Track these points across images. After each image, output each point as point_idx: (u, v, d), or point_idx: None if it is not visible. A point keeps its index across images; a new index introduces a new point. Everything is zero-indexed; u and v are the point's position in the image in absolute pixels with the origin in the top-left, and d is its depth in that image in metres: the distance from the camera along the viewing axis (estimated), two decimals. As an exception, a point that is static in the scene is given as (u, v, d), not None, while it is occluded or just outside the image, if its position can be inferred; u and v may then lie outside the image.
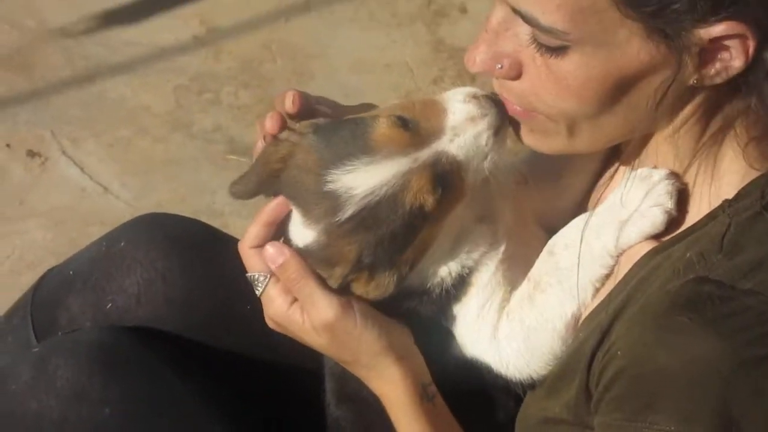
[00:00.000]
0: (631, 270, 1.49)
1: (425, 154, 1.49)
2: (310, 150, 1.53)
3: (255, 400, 1.92)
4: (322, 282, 1.56)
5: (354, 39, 4.00)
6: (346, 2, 4.13)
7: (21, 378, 1.71)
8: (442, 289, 1.62)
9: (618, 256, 1.52)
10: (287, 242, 1.59)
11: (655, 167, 1.52)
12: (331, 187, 1.48)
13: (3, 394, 1.71)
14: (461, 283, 1.62)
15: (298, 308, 1.59)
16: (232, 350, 1.91)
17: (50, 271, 1.98)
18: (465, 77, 3.84)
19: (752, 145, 1.44)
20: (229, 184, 1.64)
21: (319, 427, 1.80)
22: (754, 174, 1.44)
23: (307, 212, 1.53)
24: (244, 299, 1.85)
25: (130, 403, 1.75)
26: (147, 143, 3.61)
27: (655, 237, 1.50)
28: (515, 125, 1.54)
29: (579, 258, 1.54)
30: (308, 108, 1.63)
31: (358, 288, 1.56)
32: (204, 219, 3.14)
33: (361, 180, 1.48)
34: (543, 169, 1.73)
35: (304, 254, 1.55)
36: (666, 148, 1.50)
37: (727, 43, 1.34)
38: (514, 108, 1.50)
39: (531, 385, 1.61)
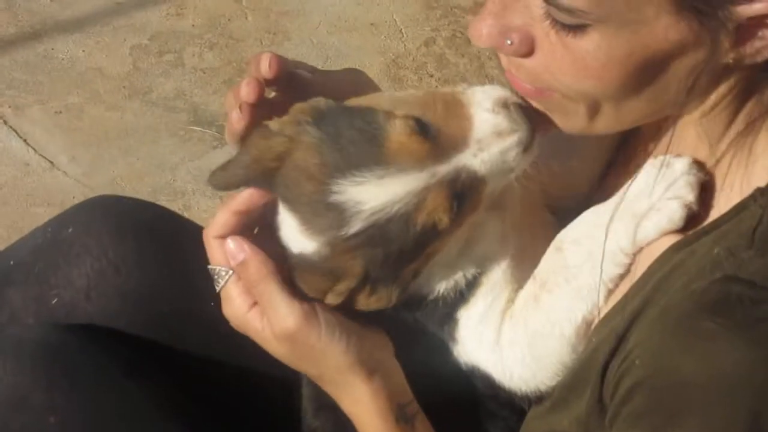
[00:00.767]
0: (650, 268, 1.47)
1: (445, 169, 1.46)
2: (313, 150, 1.50)
3: (217, 407, 1.90)
4: (285, 286, 1.54)
5: (335, -6, 3.99)
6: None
7: (-46, 382, 1.70)
8: (447, 294, 1.61)
9: (634, 254, 1.51)
10: (277, 242, 1.58)
11: (677, 154, 1.49)
12: (336, 198, 1.46)
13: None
14: (469, 285, 1.61)
15: (258, 312, 1.58)
16: (193, 351, 1.89)
17: (-14, 260, 1.95)
18: (459, 39, 3.82)
19: None
20: (210, 173, 1.59)
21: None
22: None
23: (307, 221, 1.50)
24: (208, 294, 1.83)
25: (77, 411, 1.72)
26: (100, 111, 3.58)
27: (678, 230, 1.48)
28: (548, 120, 1.52)
29: (590, 255, 1.52)
30: (286, 73, 1.60)
31: (359, 302, 1.54)
32: (164, 198, 3.16)
33: (372, 195, 1.45)
34: (553, 147, 1.69)
35: (302, 262, 1.53)
36: (692, 132, 1.48)
37: None
38: (524, 87, 1.47)
39: (538, 398, 1.60)
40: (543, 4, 1.35)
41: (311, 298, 1.55)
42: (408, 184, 1.44)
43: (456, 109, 1.51)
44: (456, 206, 1.46)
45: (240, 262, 1.56)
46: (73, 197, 3.16)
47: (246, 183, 1.56)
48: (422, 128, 1.47)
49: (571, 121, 1.49)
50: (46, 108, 3.56)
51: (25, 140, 3.47)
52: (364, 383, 1.56)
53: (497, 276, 1.61)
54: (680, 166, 1.47)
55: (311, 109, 1.53)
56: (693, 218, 1.47)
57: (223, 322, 1.67)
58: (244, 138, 1.60)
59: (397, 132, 1.46)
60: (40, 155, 3.44)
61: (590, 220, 1.54)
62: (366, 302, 1.54)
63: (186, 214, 2.92)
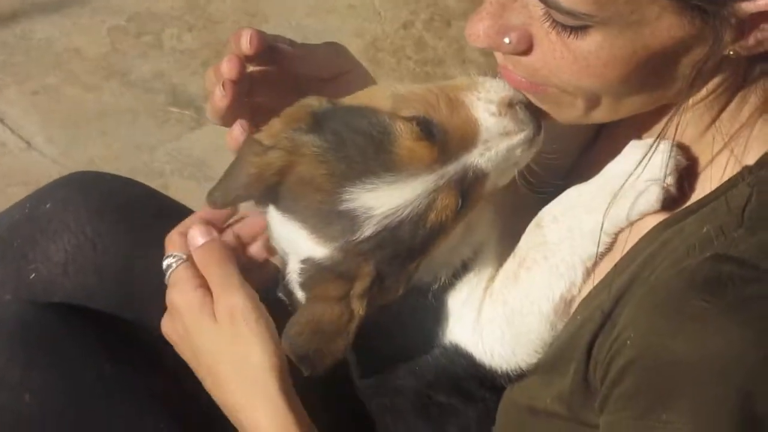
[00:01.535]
0: (636, 245, 1.48)
1: (452, 169, 1.48)
2: (316, 161, 1.49)
3: (195, 390, 1.90)
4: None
5: (314, -24, 3.98)
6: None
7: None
8: (440, 282, 1.62)
9: (615, 234, 1.52)
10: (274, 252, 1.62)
11: (662, 137, 1.49)
12: (347, 206, 1.47)
13: None
14: (460, 270, 1.62)
15: (204, 292, 1.60)
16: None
17: (-37, 237, 1.94)
18: (438, 22, 3.83)
19: None
20: (207, 192, 1.57)
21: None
22: None
23: (318, 230, 1.50)
24: None
25: (52, 390, 1.73)
26: (77, 92, 3.57)
27: (666, 208, 1.48)
28: (529, 102, 1.52)
29: (569, 232, 1.53)
30: (267, 48, 1.60)
31: (371, 299, 1.54)
32: (141, 179, 3.10)
33: (383, 200, 1.46)
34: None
35: (311, 271, 1.53)
36: (685, 116, 1.47)
37: None
38: (518, 80, 1.48)
39: (520, 376, 1.60)
40: (543, 6, 1.35)
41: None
42: (418, 187, 1.46)
43: (461, 110, 1.52)
44: (461, 202, 1.49)
45: (201, 245, 1.60)
46: (50, 177, 3.10)
47: (245, 197, 1.56)
48: (429, 131, 1.48)
49: (566, 112, 1.49)
50: (22, 88, 3.55)
51: (1, 120, 3.46)
52: (278, 391, 1.58)
53: (483, 258, 1.62)
54: (662, 148, 1.47)
55: (305, 115, 1.53)
56: (680, 198, 1.48)
57: None
58: (225, 116, 1.61)
59: (405, 137, 1.47)
60: (17, 135, 3.43)
61: (571, 198, 1.55)
62: (377, 298, 1.54)
63: (164, 195, 2.91)
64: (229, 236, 1.69)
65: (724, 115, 1.46)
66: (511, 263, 1.60)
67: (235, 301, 1.57)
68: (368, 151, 1.47)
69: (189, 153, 3.44)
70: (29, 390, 1.71)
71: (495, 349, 1.60)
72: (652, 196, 1.47)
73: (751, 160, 1.42)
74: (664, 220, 1.46)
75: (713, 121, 1.47)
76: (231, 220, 1.72)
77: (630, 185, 1.47)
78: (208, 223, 1.66)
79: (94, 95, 3.56)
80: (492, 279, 1.61)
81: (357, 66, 1.74)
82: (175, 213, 1.95)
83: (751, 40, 1.35)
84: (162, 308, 1.74)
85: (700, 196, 1.46)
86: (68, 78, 3.60)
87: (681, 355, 1.31)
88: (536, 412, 1.55)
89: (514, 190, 1.63)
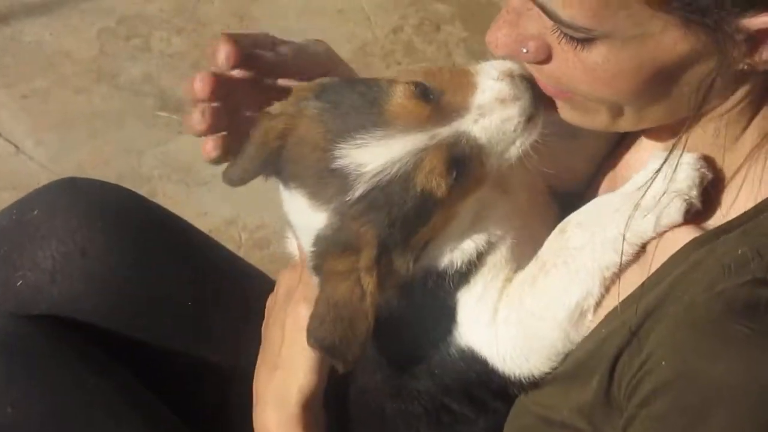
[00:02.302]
0: (666, 263, 1.46)
1: (444, 132, 1.47)
2: (315, 120, 1.51)
3: (182, 404, 1.90)
4: None
5: (303, -21, 3.98)
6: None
7: None
8: (452, 272, 1.60)
9: (638, 245, 1.50)
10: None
11: (687, 149, 1.49)
12: (340, 163, 1.47)
13: None
14: (472, 265, 1.60)
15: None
16: (155, 339, 1.89)
17: (-51, 243, 1.94)
18: (427, 27, 3.84)
19: None
20: (222, 172, 1.60)
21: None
22: None
23: (315, 193, 1.51)
24: (175, 282, 1.84)
25: (34, 403, 1.73)
26: (66, 95, 3.57)
27: (697, 225, 1.47)
28: (551, 102, 1.52)
29: (592, 239, 1.52)
30: (247, 56, 1.59)
31: (384, 276, 1.53)
32: (129, 183, 3.11)
33: (372, 156, 1.46)
34: (555, 125, 1.68)
35: (319, 249, 1.53)
36: (709, 128, 1.48)
37: None
38: (548, 87, 1.48)
39: (533, 385, 1.59)
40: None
41: None
42: (407, 144, 1.45)
43: (462, 77, 1.52)
44: (456, 173, 1.48)
45: None
46: (39, 182, 3.10)
47: (255, 171, 1.57)
48: (424, 92, 1.48)
49: (594, 120, 1.49)
50: (11, 91, 3.55)
51: (-8, 125, 3.46)
52: (298, 414, 1.65)
53: (498, 256, 1.61)
54: (687, 160, 1.47)
55: (314, 86, 1.55)
56: (705, 212, 1.48)
57: (196, 313, 1.77)
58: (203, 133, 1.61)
59: (398, 95, 1.48)
60: (6, 139, 3.43)
61: (597, 206, 1.55)
62: (388, 275, 1.53)
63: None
64: None
65: (750, 128, 1.46)
66: (531, 266, 1.59)
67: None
68: (361, 108, 1.48)
69: (177, 157, 3.44)
70: (10, 402, 1.71)
71: (508, 352, 1.59)
72: (675, 209, 1.46)
73: None
74: (695, 239, 1.45)
75: (742, 132, 1.47)
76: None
77: (654, 197, 1.47)
78: None
79: (83, 98, 3.56)
80: (508, 279, 1.61)
81: (341, 64, 1.74)
82: (163, 219, 1.96)
83: (764, 55, 1.35)
84: (154, 318, 1.76)
85: (729, 210, 1.46)
86: (58, 81, 3.61)
87: (721, 378, 1.31)
88: (552, 422, 1.55)
89: (534, 194, 1.65)
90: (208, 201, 3.28)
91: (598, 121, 1.49)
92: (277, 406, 1.65)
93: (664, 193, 1.46)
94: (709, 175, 1.47)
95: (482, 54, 1.49)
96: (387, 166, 1.45)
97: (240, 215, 3.26)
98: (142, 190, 3.23)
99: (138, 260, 1.87)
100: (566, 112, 1.52)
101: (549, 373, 1.57)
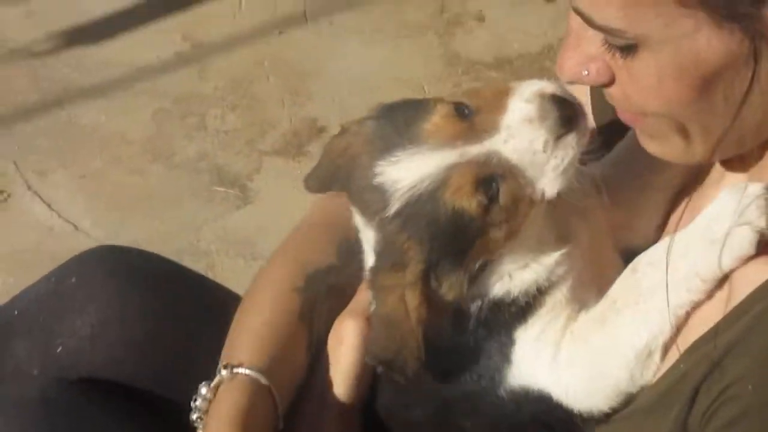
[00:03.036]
0: (749, 297, 1.45)
1: (475, 150, 1.50)
2: (366, 140, 1.59)
3: None
4: None
5: (357, 53, 4.01)
6: (347, 12, 4.15)
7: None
8: (510, 302, 1.61)
9: (711, 281, 1.50)
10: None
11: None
12: (379, 180, 1.53)
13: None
14: (531, 300, 1.61)
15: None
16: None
17: (-8, 311, 1.97)
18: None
19: None
20: (303, 177, 1.70)
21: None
22: None
23: (363, 209, 1.58)
24: (209, 346, 1.84)
25: None
26: (122, 175, 3.62)
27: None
28: (575, 113, 1.53)
29: (664, 279, 1.51)
30: None
31: (435, 292, 1.56)
32: (187, 259, 3.18)
33: (405, 172, 1.51)
34: (621, 184, 1.73)
35: (376, 257, 1.58)
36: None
37: None
38: (625, 115, 1.52)
39: (600, 419, 1.59)
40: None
41: None
42: (436, 161, 1.50)
43: (499, 96, 1.54)
44: (485, 193, 1.49)
45: None
46: (96, 260, 3.18)
47: (327, 182, 1.67)
48: (461, 111, 1.52)
49: (672, 147, 1.51)
50: (69, 173, 3.61)
51: (48, 205, 3.51)
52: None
53: (559, 296, 1.61)
54: (753, 190, 1.47)
55: (379, 107, 1.63)
56: None
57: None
58: None
59: (437, 113, 1.53)
60: (64, 219, 3.48)
61: (667, 245, 1.54)
62: (440, 291, 1.55)
63: (210, 274, 2.94)
64: None
65: None
66: (601, 305, 1.59)
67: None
68: (402, 128, 1.53)
69: (235, 232, 3.46)
70: None
71: (571, 387, 1.59)
72: (745, 241, 1.45)
73: None
74: None
75: None
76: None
77: (723, 231, 1.47)
78: None
79: (139, 177, 3.60)
80: (571, 319, 1.61)
81: None
82: (199, 285, 1.98)
83: None
84: (185, 377, 1.77)
85: None
86: (114, 161, 3.66)
87: None
88: None
89: (599, 242, 1.66)
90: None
91: (675, 148, 1.51)
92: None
93: (732, 225, 1.46)
94: None
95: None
96: (418, 182, 1.50)
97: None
98: (201, 265, 3.27)
99: (175, 327, 1.89)
100: (647, 142, 1.55)
101: (620, 410, 1.57)
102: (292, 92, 3.88)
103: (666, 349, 1.54)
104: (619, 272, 1.61)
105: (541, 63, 3.89)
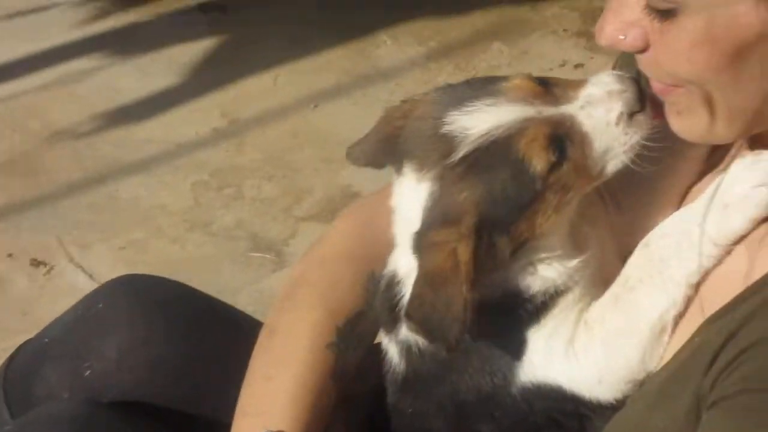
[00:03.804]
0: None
1: (551, 110, 1.56)
2: (433, 101, 1.62)
3: None
4: None
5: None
6: (379, 84, 4.26)
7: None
8: (528, 302, 1.63)
9: (725, 245, 1.54)
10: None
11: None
12: (448, 128, 1.56)
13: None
14: (546, 302, 1.64)
15: None
16: (216, 424, 1.92)
17: (25, 343, 2.05)
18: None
19: None
20: (347, 148, 1.73)
21: None
22: None
23: (421, 161, 1.58)
24: (229, 369, 1.90)
25: None
26: (163, 244, 3.72)
27: None
28: (661, 109, 1.58)
29: (678, 247, 1.56)
30: None
31: (484, 254, 1.56)
32: None
33: (480, 120, 1.55)
34: (625, 190, 1.76)
35: (424, 218, 1.57)
36: None
37: None
38: (656, 85, 1.56)
39: (613, 408, 1.60)
40: None
41: None
42: (514, 113, 1.54)
43: (578, 81, 1.62)
44: (556, 154, 1.54)
45: None
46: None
47: (377, 149, 1.69)
48: (541, 81, 1.59)
49: (694, 122, 1.53)
50: (110, 244, 3.70)
51: (90, 275, 3.59)
52: None
53: (570, 298, 1.64)
54: (767, 156, 1.52)
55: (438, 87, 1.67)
56: None
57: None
58: None
59: (516, 78, 1.58)
60: (105, 290, 3.55)
61: (680, 215, 1.60)
62: (488, 256, 1.56)
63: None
64: None
65: None
66: (613, 288, 1.63)
67: None
68: (478, 86, 1.59)
69: (271, 294, 3.52)
70: None
71: (584, 374, 1.61)
72: (762, 200, 1.50)
73: None
74: None
75: None
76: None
77: (737, 194, 1.52)
78: None
79: (178, 246, 3.70)
80: (583, 311, 1.64)
81: None
82: (221, 312, 2.04)
83: None
84: (207, 401, 1.89)
85: None
86: (154, 232, 3.76)
87: None
88: None
89: (608, 250, 1.69)
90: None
91: (698, 122, 1.52)
92: None
93: (747, 188, 1.51)
94: None
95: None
96: (492, 130, 1.53)
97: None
98: (239, 328, 3.33)
99: (198, 350, 1.96)
100: (673, 119, 1.56)
101: (645, 389, 1.58)
102: (326, 161, 3.97)
103: (675, 325, 1.57)
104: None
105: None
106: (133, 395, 1.93)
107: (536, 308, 1.63)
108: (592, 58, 4.06)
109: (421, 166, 1.58)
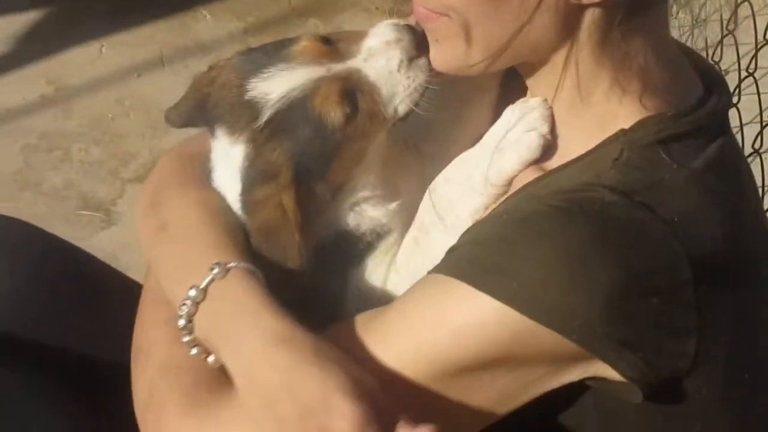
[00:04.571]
0: (511, 194, 1.63)
1: (339, 67, 1.69)
2: (234, 68, 1.74)
3: (88, 396, 2.04)
4: None
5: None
6: (199, 56, 4.46)
7: None
8: (357, 240, 1.75)
9: (502, 185, 1.65)
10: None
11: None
12: (250, 95, 1.68)
13: None
14: (371, 242, 1.76)
15: None
16: (50, 341, 2.05)
17: None
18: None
19: (648, 92, 1.59)
20: (165, 111, 1.83)
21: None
22: (646, 113, 1.59)
23: (231, 126, 1.70)
24: (70, 297, 2.09)
25: None
26: (-7, 203, 3.80)
27: (542, 166, 1.62)
28: (425, 41, 1.66)
29: (460, 190, 1.67)
30: None
31: (306, 202, 1.67)
32: None
33: (276, 85, 1.67)
34: (431, 139, 1.86)
35: (244, 179, 1.68)
36: (567, 77, 1.61)
37: None
38: (420, 11, 1.63)
39: None
40: None
41: None
42: (306, 74, 1.67)
43: (358, 33, 1.73)
44: (350, 106, 1.67)
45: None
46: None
47: (190, 113, 1.80)
48: (325, 40, 1.72)
49: (450, 51, 1.62)
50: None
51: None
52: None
53: (390, 241, 1.77)
54: (534, 102, 1.64)
55: (240, 51, 1.80)
56: (556, 156, 1.63)
57: (89, 322, 2.02)
58: None
59: (302, 40, 1.72)
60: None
61: (460, 160, 1.71)
62: (310, 201, 1.68)
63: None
64: None
65: (603, 73, 1.61)
66: (411, 233, 1.75)
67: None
68: (271, 53, 1.72)
69: (101, 250, 3.67)
70: None
71: None
72: (533, 143, 1.62)
73: (625, 117, 1.59)
74: (540, 175, 1.62)
75: (593, 78, 1.62)
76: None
77: (510, 138, 1.64)
78: None
79: (10, 205, 3.76)
80: (395, 255, 1.76)
81: None
82: (56, 246, 2.23)
83: None
84: (43, 321, 2.03)
85: (567, 153, 1.62)
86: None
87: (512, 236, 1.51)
88: None
89: (418, 192, 1.79)
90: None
91: (454, 51, 1.62)
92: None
93: (518, 132, 1.63)
94: (551, 113, 1.64)
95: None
96: (288, 92, 1.66)
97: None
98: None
99: (38, 281, 2.09)
100: (433, 47, 1.66)
101: None
102: (152, 127, 4.14)
103: None
104: None
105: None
106: None
107: (363, 248, 1.76)
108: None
109: (232, 131, 1.70)
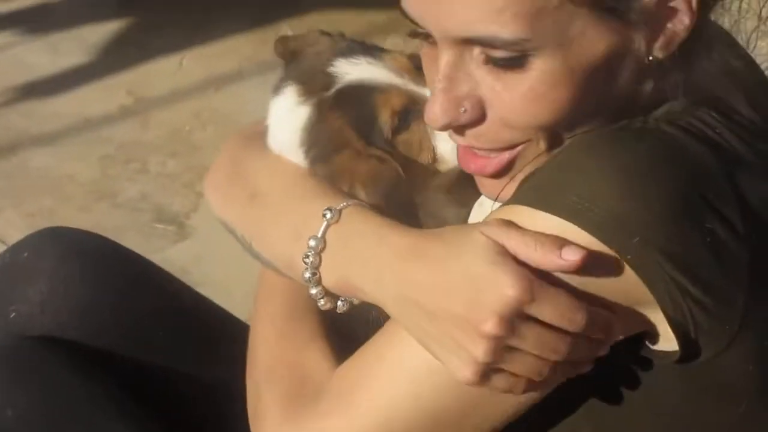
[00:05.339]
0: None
1: (414, 87, 1.74)
2: (331, 44, 1.81)
3: (157, 404, 2.12)
4: None
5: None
6: (278, 74, 4.45)
7: None
8: None
9: None
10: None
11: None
12: (332, 69, 1.75)
13: None
14: None
15: None
16: (133, 356, 2.11)
17: (-49, 284, 2.19)
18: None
19: None
20: (277, 37, 1.88)
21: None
22: None
23: (305, 87, 1.76)
24: (143, 309, 2.11)
25: (33, 406, 1.94)
26: (71, 212, 3.86)
27: None
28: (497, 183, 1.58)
29: None
30: None
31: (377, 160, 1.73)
32: None
33: (357, 71, 1.74)
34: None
35: (306, 137, 1.74)
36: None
37: (672, 4, 1.44)
38: (490, 159, 1.54)
39: None
40: (481, 58, 1.43)
41: None
42: (385, 75, 1.74)
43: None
44: (403, 122, 1.73)
45: None
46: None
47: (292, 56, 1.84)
48: (416, 63, 1.72)
49: (526, 162, 1.53)
50: (19, 211, 3.84)
51: (2, 240, 3.70)
52: None
53: None
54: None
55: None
56: None
57: (161, 334, 2.03)
58: None
59: (396, 52, 1.78)
60: (13, 254, 3.71)
61: None
62: (380, 159, 1.72)
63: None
64: None
65: None
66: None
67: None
68: (368, 49, 1.78)
69: (173, 264, 3.70)
70: (11, 407, 1.93)
71: None
72: None
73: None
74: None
75: None
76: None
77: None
78: None
79: (86, 215, 3.84)
80: None
81: None
82: (129, 258, 2.25)
83: (659, 41, 1.45)
84: (122, 337, 2.06)
85: None
86: (62, 200, 3.91)
87: None
88: None
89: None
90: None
91: (528, 158, 1.53)
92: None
93: None
94: None
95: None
96: (364, 80, 1.74)
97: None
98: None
99: (110, 293, 2.12)
100: (510, 187, 1.53)
101: None
102: (227, 140, 4.15)
103: None
104: None
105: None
106: (54, 333, 2.07)
107: None
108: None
109: (304, 91, 1.77)
